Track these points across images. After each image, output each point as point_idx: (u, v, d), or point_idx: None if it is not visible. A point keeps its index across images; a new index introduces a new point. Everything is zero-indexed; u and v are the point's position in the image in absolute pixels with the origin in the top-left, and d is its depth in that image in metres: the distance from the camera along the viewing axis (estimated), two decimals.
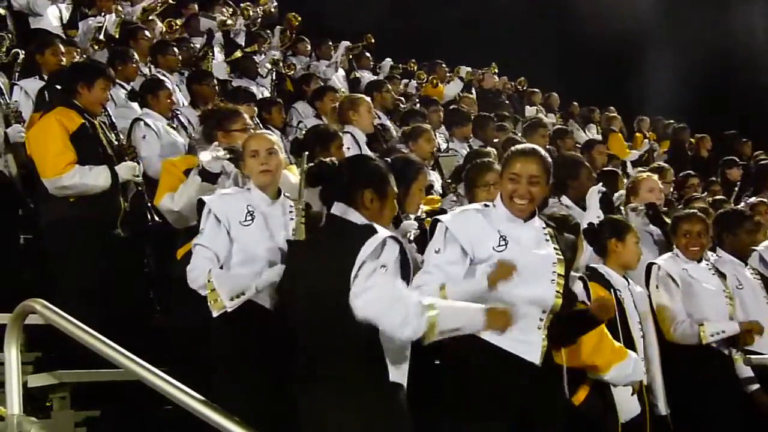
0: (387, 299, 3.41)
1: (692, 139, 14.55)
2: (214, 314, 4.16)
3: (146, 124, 6.79)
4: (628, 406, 4.64)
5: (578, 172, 6.44)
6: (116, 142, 5.94)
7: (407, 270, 3.62)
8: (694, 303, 5.64)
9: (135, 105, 7.59)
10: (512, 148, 4.29)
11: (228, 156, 5.02)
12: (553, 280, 4.03)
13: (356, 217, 3.71)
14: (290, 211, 4.55)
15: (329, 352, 3.59)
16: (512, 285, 3.82)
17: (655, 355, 5.12)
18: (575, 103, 15.69)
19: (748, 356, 5.66)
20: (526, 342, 3.94)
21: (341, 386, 3.54)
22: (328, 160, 3.94)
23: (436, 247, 4.01)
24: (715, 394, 5.43)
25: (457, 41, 16.23)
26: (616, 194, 7.15)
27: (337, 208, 3.74)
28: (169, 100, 7.08)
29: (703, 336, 5.49)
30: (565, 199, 6.24)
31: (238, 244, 4.40)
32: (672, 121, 15.59)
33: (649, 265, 5.81)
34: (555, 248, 4.11)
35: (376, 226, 3.65)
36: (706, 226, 5.93)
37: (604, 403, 4.57)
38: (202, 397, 3.29)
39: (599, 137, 13.93)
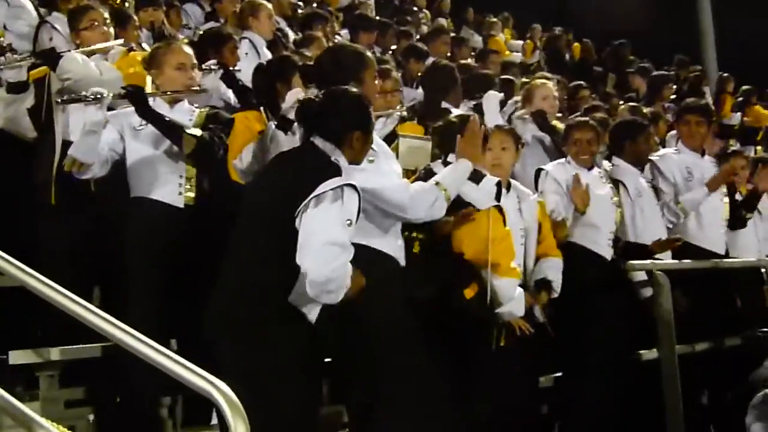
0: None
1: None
2: None
3: (53, 26, 6.58)
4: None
5: (456, 80, 6.49)
6: None
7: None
8: None
9: (28, 4, 7.31)
10: None
11: None
12: None
13: (338, 155, 3.67)
14: (190, 119, 4.71)
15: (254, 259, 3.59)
16: None
17: (531, 265, 5.22)
18: (470, 9, 15.58)
19: (629, 262, 5.86)
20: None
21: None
22: (314, 96, 3.87)
23: None
24: (595, 300, 5.57)
25: None
26: (509, 102, 7.24)
27: (322, 144, 3.69)
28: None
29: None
30: (445, 104, 6.22)
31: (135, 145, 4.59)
32: (559, 28, 15.61)
33: (538, 171, 5.90)
34: None
35: (342, 167, 3.61)
36: (597, 135, 5.99)
37: (490, 305, 4.64)
38: (84, 301, 3.25)
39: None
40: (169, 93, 4.73)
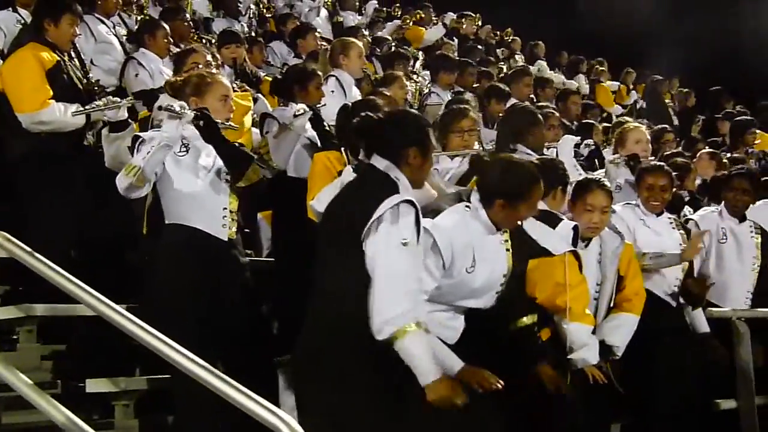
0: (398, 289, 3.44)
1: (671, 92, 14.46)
2: None
3: (139, 63, 6.80)
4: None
5: (536, 123, 6.30)
6: (85, 80, 5.79)
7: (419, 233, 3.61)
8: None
9: (114, 40, 7.56)
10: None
11: None
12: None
13: (397, 173, 3.68)
14: None
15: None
16: None
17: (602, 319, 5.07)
18: (564, 53, 15.57)
19: (709, 309, 5.74)
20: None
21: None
22: (373, 115, 3.90)
23: None
24: (662, 345, 5.41)
25: None
26: (583, 144, 7.16)
27: (380, 163, 3.71)
28: (166, 41, 7.06)
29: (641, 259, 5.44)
30: (522, 148, 6.00)
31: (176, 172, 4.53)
32: (659, 76, 15.43)
33: None
34: None
35: (401, 184, 3.65)
36: (671, 181, 5.84)
37: (562, 347, 4.58)
38: (160, 334, 3.31)
39: (586, 87, 13.94)
40: (223, 125, 4.65)
